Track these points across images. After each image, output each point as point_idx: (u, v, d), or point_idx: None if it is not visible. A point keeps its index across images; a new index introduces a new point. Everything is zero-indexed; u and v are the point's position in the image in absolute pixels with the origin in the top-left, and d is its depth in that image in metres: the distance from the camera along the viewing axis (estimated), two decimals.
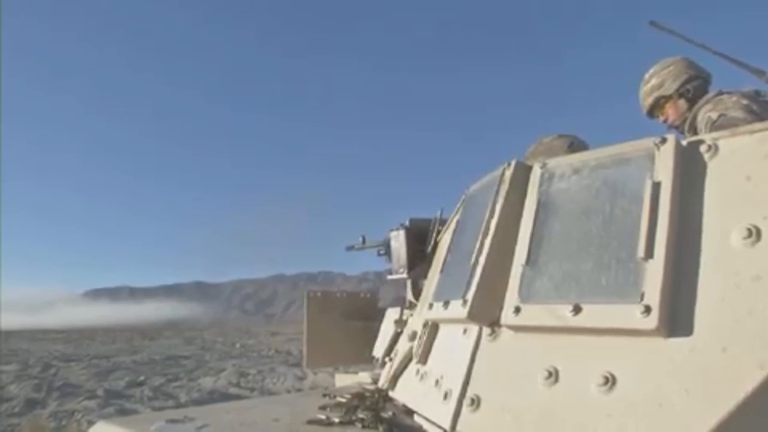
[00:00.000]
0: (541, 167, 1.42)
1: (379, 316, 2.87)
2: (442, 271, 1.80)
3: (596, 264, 1.18)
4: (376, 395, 1.94)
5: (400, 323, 2.22)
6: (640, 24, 2.57)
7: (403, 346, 1.99)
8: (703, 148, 1.16)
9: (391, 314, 2.59)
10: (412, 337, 1.89)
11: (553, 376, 1.18)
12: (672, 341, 1.04)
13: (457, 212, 1.96)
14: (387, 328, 2.58)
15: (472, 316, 1.37)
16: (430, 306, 1.71)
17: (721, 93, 2.59)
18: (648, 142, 1.21)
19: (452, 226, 1.97)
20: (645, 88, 2.90)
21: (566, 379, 1.16)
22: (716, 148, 1.15)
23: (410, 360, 1.86)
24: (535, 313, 1.25)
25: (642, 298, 1.06)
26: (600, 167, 1.29)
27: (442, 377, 1.50)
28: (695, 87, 2.75)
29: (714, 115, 2.44)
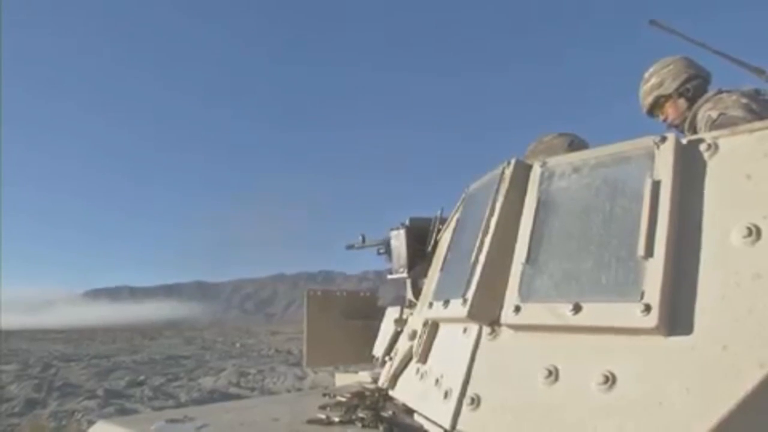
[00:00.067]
0: (541, 166, 1.42)
1: (379, 315, 2.87)
2: (442, 269, 1.79)
3: (596, 263, 1.18)
4: (376, 394, 1.94)
5: (400, 322, 2.22)
6: (640, 23, 2.57)
7: (403, 345, 1.99)
8: (703, 147, 1.16)
9: (391, 313, 2.59)
10: (412, 336, 1.89)
11: (553, 374, 1.18)
12: (672, 340, 1.04)
13: (457, 211, 1.96)
14: (387, 328, 2.58)
15: (472, 315, 1.37)
16: (430, 305, 1.71)
17: (720, 92, 2.59)
18: (648, 141, 1.21)
19: (452, 224, 1.97)
20: (645, 87, 2.90)
21: (566, 377, 1.16)
22: (716, 146, 1.15)
23: (410, 359, 1.86)
24: (535, 312, 1.24)
25: (642, 297, 1.06)
26: (600, 166, 1.29)
27: (442, 376, 1.50)
28: (695, 86, 2.75)
29: (714, 114, 2.44)
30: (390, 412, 1.71)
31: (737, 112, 2.37)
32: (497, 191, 1.47)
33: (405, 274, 2.37)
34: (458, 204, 1.95)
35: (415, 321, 2.00)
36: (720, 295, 1.03)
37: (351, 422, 1.64)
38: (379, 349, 2.55)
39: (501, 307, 1.32)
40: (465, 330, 1.45)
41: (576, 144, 2.62)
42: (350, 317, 3.09)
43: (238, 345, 31.35)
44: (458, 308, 1.42)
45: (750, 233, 1.02)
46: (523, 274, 1.31)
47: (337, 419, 1.66)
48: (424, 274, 2.20)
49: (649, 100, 2.87)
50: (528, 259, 1.32)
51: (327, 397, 2.00)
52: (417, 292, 2.26)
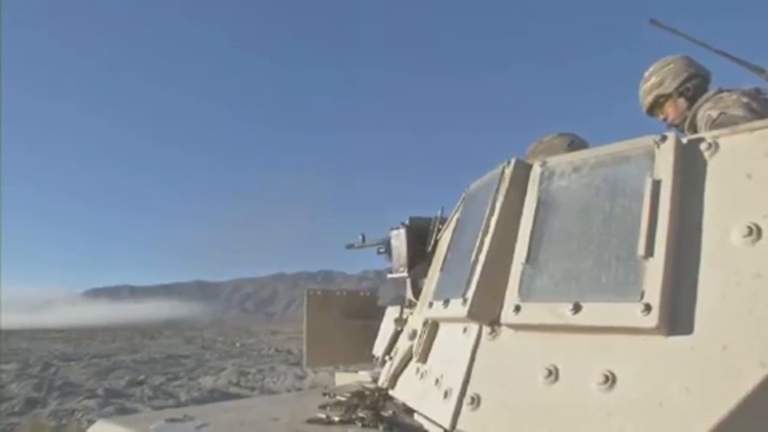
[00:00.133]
0: (541, 165, 1.42)
1: (379, 314, 2.87)
2: (442, 269, 1.79)
3: (596, 262, 1.18)
4: (376, 394, 1.94)
5: (400, 322, 2.22)
6: (641, 23, 2.57)
7: (403, 344, 1.99)
8: (703, 146, 1.16)
9: (391, 313, 2.59)
10: (412, 335, 1.89)
11: (553, 374, 1.18)
12: (672, 339, 1.04)
13: (457, 210, 1.95)
14: (387, 327, 2.58)
15: (472, 315, 1.37)
16: (430, 304, 1.71)
17: (721, 91, 2.58)
18: (648, 140, 1.21)
19: (452, 224, 1.97)
20: (645, 87, 2.90)
21: (566, 377, 1.16)
22: (716, 146, 1.15)
23: (410, 359, 1.86)
24: (535, 312, 1.24)
25: (642, 297, 1.06)
26: (600, 165, 1.29)
27: (442, 376, 1.50)
28: (695, 85, 2.74)
29: (714, 114, 2.44)
30: (390, 412, 1.71)
31: (738, 111, 2.37)
32: (497, 191, 1.47)
33: (405, 274, 2.37)
34: (458, 203, 1.94)
35: (415, 320, 2.00)
36: (720, 294, 1.02)
37: (351, 422, 1.64)
38: (379, 349, 2.55)
39: (501, 306, 1.32)
40: (465, 329, 1.45)
41: (576, 144, 2.62)
42: (350, 317, 3.09)
43: (238, 344, 31.35)
44: (458, 308, 1.42)
45: (750, 232, 1.02)
46: (523, 273, 1.31)
47: (337, 419, 1.66)
48: (424, 274, 2.20)
49: (649, 99, 2.87)
50: (528, 259, 1.32)
51: (327, 397, 2.00)
52: (417, 291, 2.26)
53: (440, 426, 1.37)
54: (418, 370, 1.74)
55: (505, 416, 1.23)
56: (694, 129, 2.63)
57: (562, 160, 1.39)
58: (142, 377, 15.92)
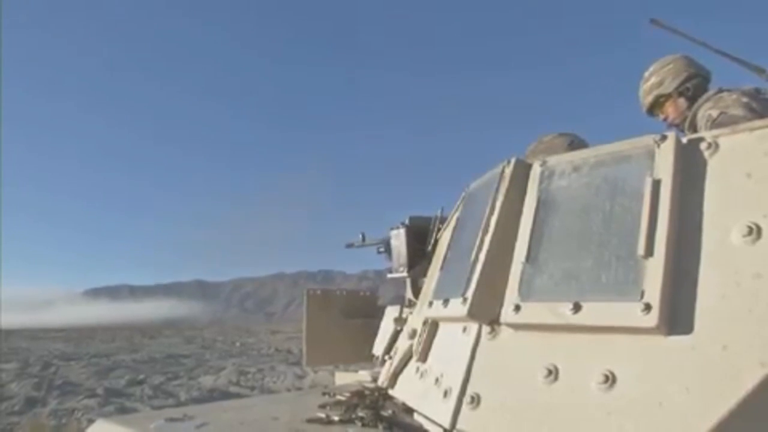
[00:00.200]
0: (541, 165, 1.42)
1: (378, 314, 2.87)
2: (441, 268, 1.79)
3: (596, 262, 1.18)
4: (376, 393, 1.94)
5: (400, 321, 2.22)
6: (641, 23, 2.57)
7: (402, 344, 1.99)
8: (703, 146, 1.16)
9: (391, 312, 2.59)
10: (412, 335, 1.89)
11: (553, 374, 1.18)
12: (672, 339, 1.04)
13: (457, 210, 1.95)
14: (387, 327, 2.58)
15: (472, 315, 1.37)
16: (430, 304, 1.71)
17: (721, 91, 2.58)
18: (648, 140, 1.21)
19: (452, 223, 1.97)
20: (644, 87, 2.90)
21: (566, 377, 1.16)
22: (716, 145, 1.15)
23: (410, 358, 1.86)
24: (535, 311, 1.24)
25: (642, 296, 1.06)
26: (600, 165, 1.29)
27: (441, 375, 1.50)
28: (695, 85, 2.74)
29: (714, 113, 2.44)
30: (390, 411, 1.71)
31: (738, 111, 2.37)
32: (497, 190, 1.46)
33: (405, 273, 2.37)
34: (458, 203, 1.94)
35: (415, 320, 2.00)
36: (720, 294, 1.02)
37: (351, 421, 1.64)
38: (378, 348, 2.55)
39: (501, 306, 1.32)
40: (465, 329, 1.45)
41: (576, 144, 2.62)
42: (350, 316, 3.09)
43: (237, 344, 31.35)
44: (458, 307, 1.42)
45: (750, 232, 1.02)
46: (523, 273, 1.31)
47: (336, 418, 1.66)
48: (424, 273, 2.20)
49: (649, 99, 2.87)
50: (528, 258, 1.31)
51: (327, 396, 2.00)
52: (417, 291, 2.26)
53: (440, 425, 1.37)
54: (417, 369, 1.74)
55: (504, 416, 1.23)
56: (694, 129, 2.63)
57: (562, 160, 1.39)
58: (141, 377, 15.92)
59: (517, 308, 1.27)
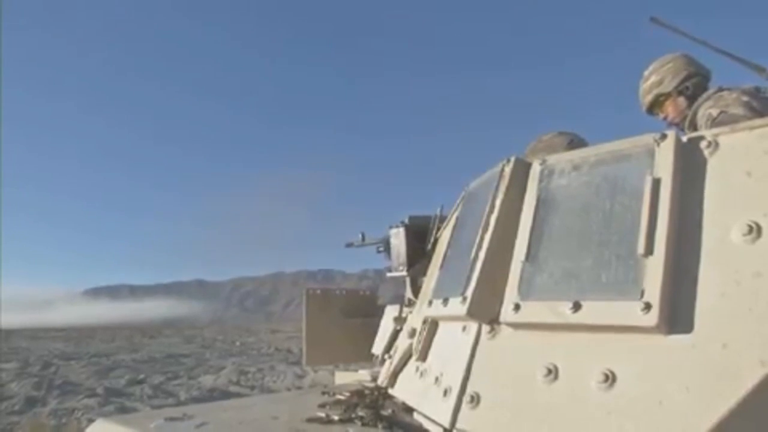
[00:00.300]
0: (541, 164, 1.41)
1: (378, 313, 2.87)
2: (441, 267, 1.79)
3: (596, 261, 1.18)
4: (376, 393, 1.94)
5: (400, 320, 2.22)
6: (641, 21, 2.57)
7: (402, 343, 1.99)
8: (703, 145, 1.16)
9: (391, 311, 2.59)
10: (412, 334, 1.89)
11: (552, 373, 1.17)
12: (672, 338, 1.04)
13: (456, 209, 1.95)
14: (386, 326, 2.58)
15: (472, 314, 1.37)
16: (430, 303, 1.71)
17: (721, 89, 2.58)
18: (648, 139, 1.21)
19: (452, 222, 1.96)
20: (644, 86, 2.90)
21: (566, 376, 1.16)
22: (716, 144, 1.14)
23: (410, 357, 1.85)
24: (534, 310, 1.24)
25: (642, 295, 1.06)
26: (600, 164, 1.29)
27: (441, 374, 1.49)
28: (694, 84, 2.74)
29: (714, 112, 2.44)
30: (389, 411, 1.71)
31: (738, 110, 2.37)
32: (497, 189, 1.46)
33: (404, 273, 2.37)
34: (458, 202, 1.94)
35: (415, 319, 2.00)
36: (720, 293, 1.02)
37: (350, 421, 1.64)
38: (378, 348, 2.55)
39: (500, 305, 1.32)
40: (464, 328, 1.45)
41: (576, 143, 2.61)
42: (350, 316, 3.09)
43: (237, 343, 31.36)
44: (457, 306, 1.41)
45: (750, 231, 1.02)
46: (522, 272, 1.31)
47: (336, 418, 1.66)
48: (424, 273, 2.20)
49: (649, 98, 2.87)
50: (528, 257, 1.31)
51: (326, 396, 1.99)
52: (416, 290, 2.26)
53: (440, 425, 1.37)
54: (417, 368, 1.74)
55: (504, 415, 1.23)
56: (694, 127, 2.63)
57: (561, 159, 1.39)
58: (141, 376, 15.93)
59: (517, 307, 1.27)
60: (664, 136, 1.18)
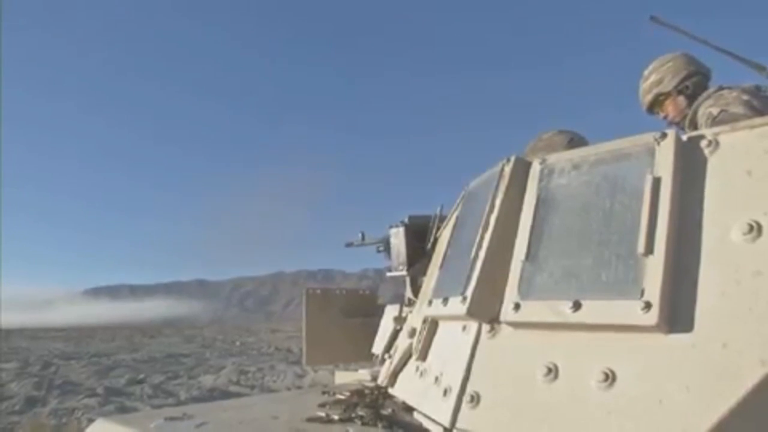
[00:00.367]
0: (541, 163, 1.41)
1: (378, 313, 2.87)
2: (441, 267, 1.79)
3: (596, 260, 1.18)
4: (376, 392, 1.94)
5: (400, 320, 2.22)
6: (641, 21, 2.57)
7: (402, 343, 1.99)
8: (703, 144, 1.16)
9: (391, 311, 2.59)
10: (412, 333, 1.89)
11: (552, 372, 1.17)
12: (672, 337, 1.04)
13: (456, 208, 1.95)
14: (386, 325, 2.58)
15: (471, 313, 1.37)
16: (430, 302, 1.71)
17: (721, 88, 2.58)
18: (648, 138, 1.20)
19: (452, 222, 1.96)
20: (644, 85, 2.89)
21: (566, 375, 1.16)
22: (717, 143, 1.14)
23: (410, 357, 1.85)
24: (534, 310, 1.24)
25: (642, 294, 1.06)
26: (600, 163, 1.29)
27: (441, 374, 1.49)
28: (694, 83, 2.74)
29: (714, 111, 2.44)
30: (389, 410, 1.71)
31: (738, 109, 2.37)
32: (497, 188, 1.46)
33: (404, 272, 2.37)
34: (458, 201, 1.94)
35: (415, 319, 2.00)
36: (720, 292, 1.02)
37: (350, 420, 1.64)
38: (378, 347, 2.55)
39: (500, 304, 1.32)
40: (464, 327, 1.45)
41: (576, 141, 2.61)
42: (350, 315, 3.09)
43: (238, 343, 31.37)
44: (457, 306, 1.41)
45: (751, 230, 1.01)
46: (522, 271, 1.31)
47: (336, 417, 1.66)
48: (424, 272, 2.20)
49: (649, 97, 2.87)
50: (528, 257, 1.31)
51: (326, 395, 1.99)
52: (416, 289, 2.26)
53: (440, 424, 1.37)
54: (417, 368, 1.73)
55: (504, 414, 1.23)
56: (694, 126, 2.63)
57: (561, 158, 1.38)
58: (142, 376, 15.93)
59: (517, 306, 1.27)
60: (664, 135, 1.18)
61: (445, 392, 1.39)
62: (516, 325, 1.29)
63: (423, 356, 1.70)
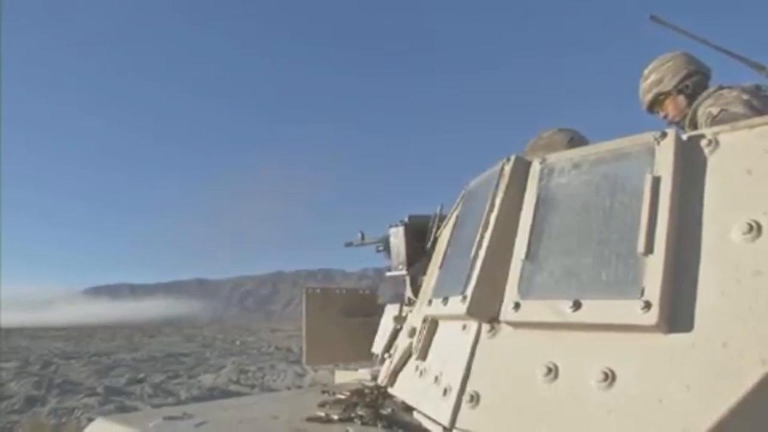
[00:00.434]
0: (541, 162, 1.41)
1: (378, 312, 2.87)
2: (441, 266, 1.79)
3: (596, 259, 1.18)
4: (376, 392, 1.94)
5: (400, 320, 2.22)
6: (641, 20, 2.57)
7: (402, 342, 1.99)
8: (703, 143, 1.16)
9: (391, 311, 2.59)
10: (412, 333, 1.89)
11: (552, 372, 1.17)
12: (672, 337, 1.04)
13: (456, 207, 1.95)
14: (386, 325, 2.58)
15: (471, 313, 1.37)
16: (430, 302, 1.70)
17: (721, 88, 2.58)
18: (648, 137, 1.20)
19: (452, 221, 1.96)
20: (644, 85, 2.89)
21: (566, 375, 1.16)
22: (717, 142, 1.14)
23: (409, 356, 1.85)
24: (534, 309, 1.24)
25: (642, 294, 1.06)
26: (600, 162, 1.29)
27: (441, 373, 1.49)
28: (694, 82, 2.74)
29: (714, 111, 2.44)
30: (389, 410, 1.71)
31: (738, 109, 2.37)
32: (497, 187, 1.46)
33: (404, 272, 2.37)
34: (458, 200, 1.94)
35: (415, 318, 2.00)
36: (720, 291, 1.02)
37: (350, 420, 1.64)
38: (378, 347, 2.55)
39: (500, 303, 1.32)
40: (464, 327, 1.45)
41: (576, 140, 2.61)
42: (349, 315, 3.09)
43: (238, 342, 31.37)
44: (457, 305, 1.41)
45: (750, 229, 1.01)
46: (522, 270, 1.31)
47: (336, 417, 1.66)
48: (423, 272, 2.20)
49: (649, 97, 2.87)
50: (528, 256, 1.31)
51: (326, 395, 1.99)
52: (416, 289, 2.26)
53: (439, 424, 1.37)
54: (417, 367, 1.73)
55: (504, 414, 1.23)
56: (694, 126, 2.63)
57: (561, 157, 1.38)
58: (142, 375, 15.93)
59: (517, 306, 1.27)
60: (664, 135, 1.18)
61: (445, 392, 1.39)
62: (516, 324, 1.29)
63: (423, 356, 1.70)
